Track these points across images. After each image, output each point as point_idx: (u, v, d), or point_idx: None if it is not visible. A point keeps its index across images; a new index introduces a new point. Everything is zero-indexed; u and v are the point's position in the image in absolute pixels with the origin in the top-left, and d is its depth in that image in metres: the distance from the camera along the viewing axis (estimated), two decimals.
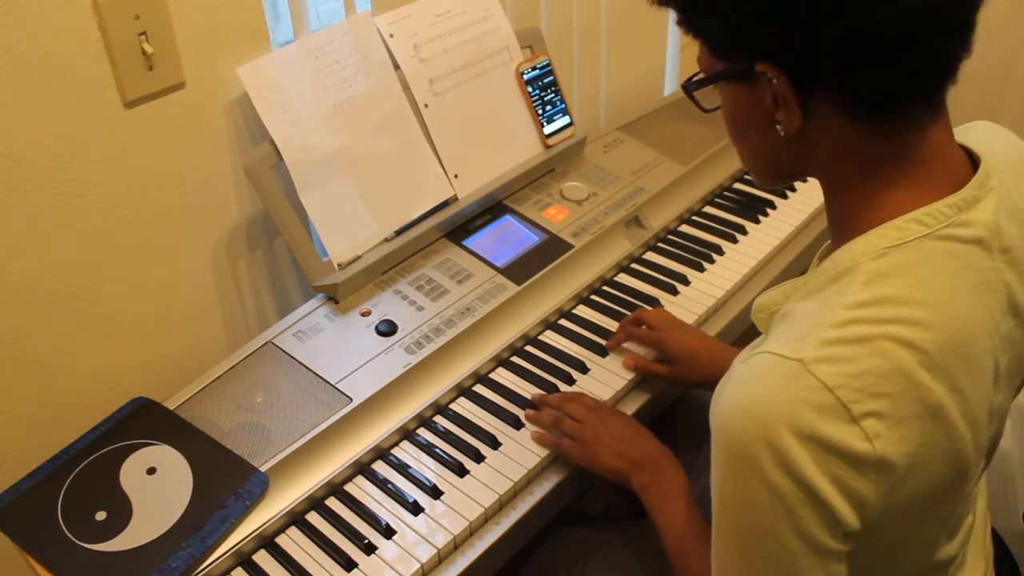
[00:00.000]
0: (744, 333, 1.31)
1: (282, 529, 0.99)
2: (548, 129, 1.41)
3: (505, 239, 1.30)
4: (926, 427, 0.67)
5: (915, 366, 0.66)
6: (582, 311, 1.26)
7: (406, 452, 1.07)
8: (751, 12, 0.67)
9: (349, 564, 0.94)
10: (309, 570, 0.94)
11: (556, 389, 1.14)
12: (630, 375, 1.15)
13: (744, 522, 0.69)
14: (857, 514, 0.66)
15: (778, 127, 0.71)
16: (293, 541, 0.98)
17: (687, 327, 1.17)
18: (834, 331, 0.66)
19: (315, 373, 1.10)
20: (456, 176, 1.31)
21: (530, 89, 1.39)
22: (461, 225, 1.32)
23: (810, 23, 0.65)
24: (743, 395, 0.67)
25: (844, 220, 0.74)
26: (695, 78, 0.78)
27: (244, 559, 0.96)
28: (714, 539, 0.73)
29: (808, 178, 1.53)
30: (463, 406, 1.12)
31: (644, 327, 1.18)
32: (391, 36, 1.26)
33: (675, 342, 1.13)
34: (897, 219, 0.70)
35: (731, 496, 0.69)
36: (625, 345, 1.19)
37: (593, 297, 1.28)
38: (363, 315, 1.18)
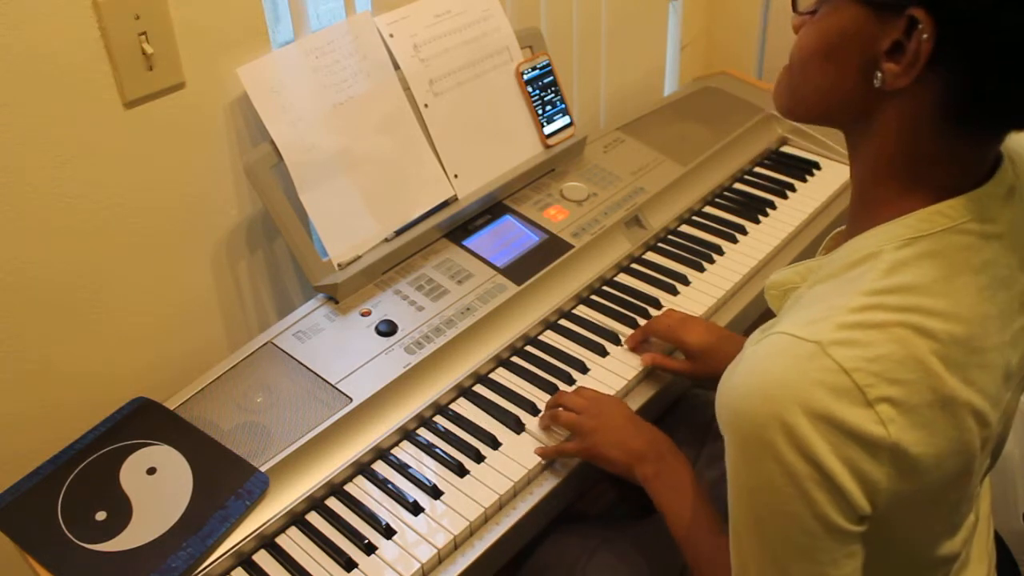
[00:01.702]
0: (745, 333, 1.31)
1: (282, 529, 0.99)
2: (548, 129, 1.41)
3: (505, 239, 1.30)
4: (937, 417, 0.67)
5: (930, 355, 0.66)
6: (582, 311, 1.26)
7: (406, 452, 1.07)
8: None
9: (349, 564, 0.94)
10: (309, 570, 0.94)
11: (556, 389, 1.14)
12: (631, 375, 1.15)
13: (760, 505, 0.69)
14: (868, 499, 0.66)
15: (877, 75, 0.67)
16: (293, 541, 0.98)
17: (700, 320, 1.17)
18: (852, 315, 0.66)
19: (315, 373, 1.10)
20: (456, 176, 1.31)
21: (530, 89, 1.39)
22: (461, 225, 1.31)
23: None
24: (757, 376, 0.67)
25: (870, 206, 0.73)
26: None
27: (244, 559, 0.96)
28: (731, 525, 0.73)
29: (807, 176, 1.52)
30: (463, 406, 1.12)
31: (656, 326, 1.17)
32: (391, 36, 1.26)
33: (692, 336, 1.12)
34: (922, 210, 0.70)
35: (746, 479, 0.69)
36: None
37: (593, 297, 1.28)
38: (363, 315, 1.18)
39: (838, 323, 0.66)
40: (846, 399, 0.64)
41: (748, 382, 0.67)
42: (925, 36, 0.63)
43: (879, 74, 0.67)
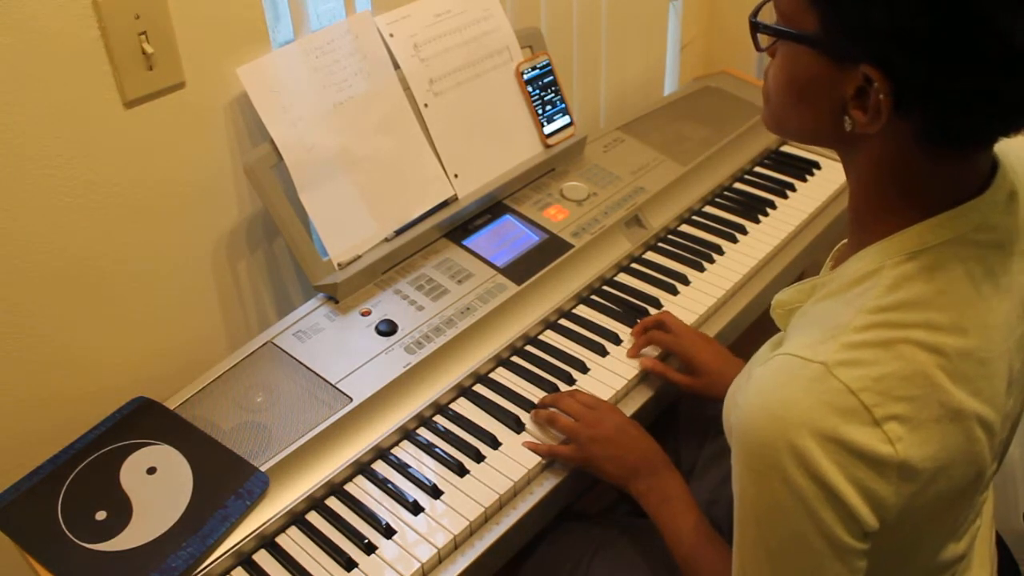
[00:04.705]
0: (745, 332, 1.31)
1: (282, 529, 0.99)
2: (548, 129, 1.41)
3: (505, 239, 1.30)
4: (946, 430, 0.67)
5: (936, 370, 0.66)
6: (582, 311, 1.26)
7: (406, 452, 1.07)
8: (911, 27, 0.61)
9: (349, 564, 0.94)
10: (309, 570, 0.94)
11: (556, 389, 1.14)
12: (631, 375, 1.15)
13: (767, 524, 0.69)
14: (876, 515, 0.67)
15: (847, 119, 0.68)
16: (293, 541, 0.98)
17: (707, 337, 1.16)
18: (857, 335, 0.66)
19: (315, 373, 1.10)
20: (456, 176, 1.31)
21: (530, 89, 1.39)
22: (461, 225, 1.31)
23: (972, 69, 0.61)
24: (764, 398, 0.67)
25: (868, 221, 0.73)
26: (774, 24, 0.71)
27: (244, 559, 0.96)
28: (736, 543, 0.73)
29: (807, 176, 1.52)
30: (463, 406, 1.12)
31: (664, 332, 1.16)
32: (391, 36, 1.26)
33: (701, 354, 1.11)
34: (921, 224, 0.70)
35: (753, 499, 0.69)
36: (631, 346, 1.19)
37: (593, 297, 1.28)
38: (363, 315, 1.18)
39: (843, 343, 0.66)
40: (853, 419, 0.64)
41: (755, 403, 0.67)
42: (882, 96, 0.64)
43: (848, 119, 0.68)
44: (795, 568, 0.69)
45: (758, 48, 0.75)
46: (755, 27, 0.73)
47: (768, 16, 0.73)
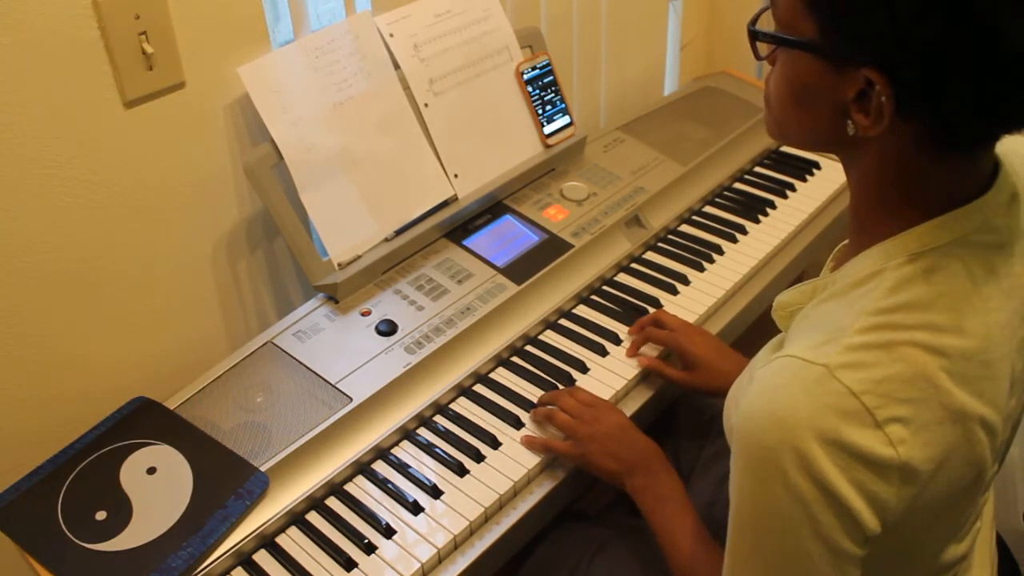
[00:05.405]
0: (745, 332, 1.32)
1: (282, 529, 0.99)
2: (548, 129, 1.41)
3: (505, 239, 1.30)
4: (948, 432, 0.67)
5: (939, 372, 0.66)
6: (582, 311, 1.26)
7: (406, 452, 1.07)
8: (912, 31, 0.61)
9: (349, 564, 0.94)
10: (309, 570, 0.94)
11: (556, 389, 1.14)
12: (631, 375, 1.15)
13: (765, 530, 0.69)
14: (878, 518, 0.66)
15: (848, 123, 0.68)
16: (293, 541, 0.98)
17: (704, 331, 1.16)
18: (859, 336, 0.66)
19: (315, 373, 1.10)
20: (456, 176, 1.31)
21: (530, 89, 1.39)
22: (461, 225, 1.31)
23: (979, 71, 0.61)
24: (767, 400, 0.67)
25: (869, 223, 0.73)
26: (773, 32, 0.71)
27: (244, 559, 0.96)
28: (729, 549, 0.73)
29: (807, 176, 1.52)
30: (463, 406, 1.12)
31: (662, 328, 1.16)
32: (391, 36, 1.26)
33: (695, 347, 1.11)
34: (922, 225, 0.70)
35: (751, 500, 0.69)
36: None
37: (593, 297, 1.28)
38: (363, 315, 1.18)
39: (845, 345, 0.66)
40: (855, 422, 0.64)
41: (758, 406, 0.67)
42: (884, 98, 0.64)
43: (850, 123, 0.68)
44: (789, 572, 0.69)
45: (758, 57, 0.76)
46: (754, 36, 0.74)
47: (767, 24, 0.73)
